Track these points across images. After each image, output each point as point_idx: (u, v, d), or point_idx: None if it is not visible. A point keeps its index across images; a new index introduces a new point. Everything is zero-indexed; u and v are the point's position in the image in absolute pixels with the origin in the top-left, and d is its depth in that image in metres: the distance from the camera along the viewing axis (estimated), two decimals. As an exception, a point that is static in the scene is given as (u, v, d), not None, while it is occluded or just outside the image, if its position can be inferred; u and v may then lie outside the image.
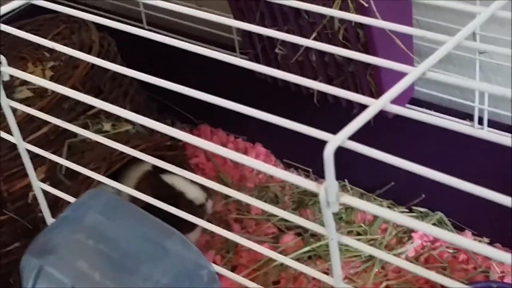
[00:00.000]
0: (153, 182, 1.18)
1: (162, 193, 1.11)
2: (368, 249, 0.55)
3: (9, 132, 0.76)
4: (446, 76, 0.59)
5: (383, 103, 0.57)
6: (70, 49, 0.65)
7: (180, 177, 1.17)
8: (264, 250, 0.66)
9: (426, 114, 0.57)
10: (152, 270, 0.64)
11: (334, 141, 0.54)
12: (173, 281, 0.63)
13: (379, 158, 0.52)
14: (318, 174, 1.44)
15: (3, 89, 0.69)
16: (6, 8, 0.71)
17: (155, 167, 1.19)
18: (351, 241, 0.56)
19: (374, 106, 0.56)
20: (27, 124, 1.15)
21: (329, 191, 0.54)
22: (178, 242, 0.65)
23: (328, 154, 0.53)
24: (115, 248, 0.65)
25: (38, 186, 0.71)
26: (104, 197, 0.68)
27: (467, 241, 0.48)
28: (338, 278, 0.57)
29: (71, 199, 0.73)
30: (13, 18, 1.46)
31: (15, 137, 0.69)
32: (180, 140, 1.39)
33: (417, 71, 0.59)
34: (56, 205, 0.98)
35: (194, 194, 1.17)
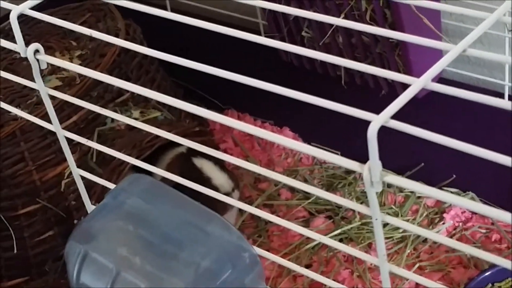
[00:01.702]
0: (182, 163, 1.18)
1: (189, 175, 1.11)
2: (414, 229, 0.55)
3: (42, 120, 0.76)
4: (487, 53, 0.58)
5: (424, 81, 0.56)
6: (107, 35, 0.65)
7: (210, 164, 1.18)
8: (300, 229, 0.66)
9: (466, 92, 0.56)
10: (193, 254, 0.64)
11: (377, 121, 0.53)
12: (215, 264, 0.63)
13: (426, 137, 0.51)
14: (346, 157, 1.44)
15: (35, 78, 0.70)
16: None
17: (188, 150, 1.19)
18: (395, 221, 0.56)
19: (415, 84, 0.56)
20: (57, 113, 1.15)
21: (373, 170, 0.54)
22: (219, 225, 0.65)
23: (372, 134, 0.53)
24: (156, 233, 0.65)
25: (78, 173, 0.71)
26: (144, 182, 0.68)
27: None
28: (382, 257, 0.57)
29: (109, 185, 0.73)
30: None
31: (54, 125, 0.69)
32: (208, 126, 1.39)
33: (458, 48, 0.58)
34: (88, 192, 0.98)
35: (221, 182, 1.17)
